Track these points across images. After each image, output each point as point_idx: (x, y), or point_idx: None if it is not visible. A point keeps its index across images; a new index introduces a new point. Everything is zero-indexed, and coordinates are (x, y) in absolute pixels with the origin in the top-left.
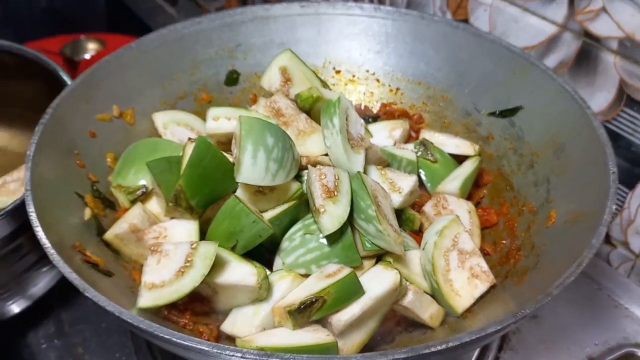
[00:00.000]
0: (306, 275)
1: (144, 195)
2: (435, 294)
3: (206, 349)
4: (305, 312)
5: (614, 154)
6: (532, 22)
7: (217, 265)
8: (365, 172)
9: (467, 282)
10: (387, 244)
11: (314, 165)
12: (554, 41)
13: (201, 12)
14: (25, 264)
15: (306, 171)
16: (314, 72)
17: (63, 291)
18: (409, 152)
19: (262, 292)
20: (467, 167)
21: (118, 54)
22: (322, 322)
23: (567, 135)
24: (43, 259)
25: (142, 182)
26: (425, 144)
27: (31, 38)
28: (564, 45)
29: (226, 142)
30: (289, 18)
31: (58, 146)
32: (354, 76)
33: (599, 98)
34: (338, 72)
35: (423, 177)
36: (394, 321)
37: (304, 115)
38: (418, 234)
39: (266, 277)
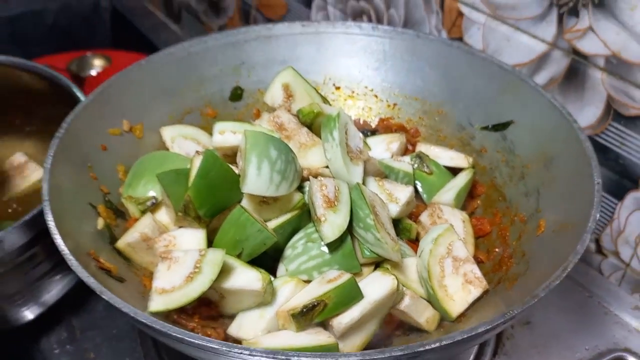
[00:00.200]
0: (308, 281)
1: (154, 206)
2: (431, 299)
3: (217, 347)
4: (307, 315)
5: (603, 166)
6: (523, 40)
7: (224, 271)
8: (364, 183)
9: (461, 287)
10: (385, 251)
11: (315, 176)
12: (544, 58)
13: (204, 29)
14: (39, 272)
15: (308, 182)
16: (314, 88)
17: (74, 299)
18: (405, 164)
19: (267, 296)
20: (462, 179)
21: (128, 71)
22: (324, 324)
23: (555, 148)
24: (56, 267)
25: (152, 193)
26: (421, 157)
27: (38, 55)
28: (554, 62)
29: (232, 155)
30: (290, 37)
31: (72, 159)
32: (353, 92)
33: (588, 113)
34: (338, 88)
35: (419, 188)
36: (392, 325)
37: (305, 130)
38: (414, 242)
39: (271, 282)
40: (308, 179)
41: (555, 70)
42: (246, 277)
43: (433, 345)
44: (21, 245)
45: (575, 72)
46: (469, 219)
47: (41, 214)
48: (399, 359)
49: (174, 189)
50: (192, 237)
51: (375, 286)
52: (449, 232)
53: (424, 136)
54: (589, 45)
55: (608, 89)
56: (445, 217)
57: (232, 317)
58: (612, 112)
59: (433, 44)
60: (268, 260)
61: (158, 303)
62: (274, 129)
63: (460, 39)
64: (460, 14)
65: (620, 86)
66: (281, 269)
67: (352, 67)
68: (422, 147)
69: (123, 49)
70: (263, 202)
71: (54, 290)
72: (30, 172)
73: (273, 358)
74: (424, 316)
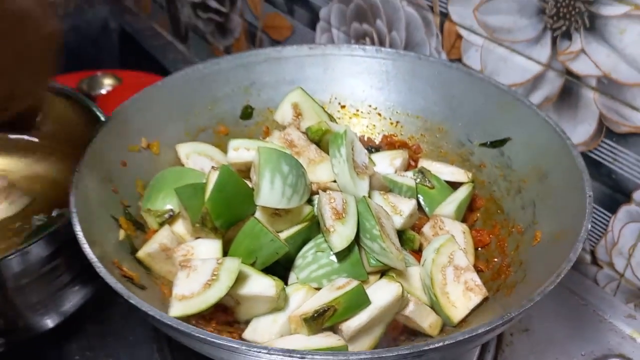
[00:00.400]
0: (318, 288)
1: (171, 218)
2: (434, 306)
3: (237, 346)
4: (318, 320)
5: (597, 181)
6: (519, 61)
7: (240, 279)
8: (369, 196)
9: (462, 294)
10: (390, 260)
11: (324, 190)
12: (539, 79)
13: (211, 49)
14: (60, 283)
15: (317, 196)
16: (322, 107)
17: (93, 308)
18: (408, 179)
19: (280, 302)
20: (462, 193)
21: (146, 92)
22: (334, 328)
23: (550, 163)
24: (75, 279)
25: (169, 206)
26: (423, 172)
27: None
28: (549, 82)
29: (245, 170)
30: (298, 59)
31: (96, 174)
32: (357, 110)
33: (581, 130)
34: (343, 107)
35: (421, 202)
36: (397, 330)
37: (314, 146)
38: (418, 252)
39: (284, 289)
40: (317, 193)
41: (549, 90)
42: (261, 284)
43: (437, 345)
44: (45, 257)
45: (569, 92)
46: (469, 230)
47: (64, 227)
48: (406, 357)
49: (190, 202)
50: (209, 247)
51: (382, 293)
52: (451, 243)
53: (426, 152)
54: (581, 67)
55: (600, 108)
56: (447, 228)
57: (246, 322)
58: (605, 130)
59: (433, 65)
60: (280, 269)
61: (178, 309)
62: (285, 146)
63: (459, 60)
64: (459, 37)
65: (612, 105)
66: (292, 277)
67: (357, 87)
68: (424, 163)
69: (131, 69)
70: (275, 214)
71: (73, 300)
72: (16, 197)
73: (290, 357)
74: (428, 321)
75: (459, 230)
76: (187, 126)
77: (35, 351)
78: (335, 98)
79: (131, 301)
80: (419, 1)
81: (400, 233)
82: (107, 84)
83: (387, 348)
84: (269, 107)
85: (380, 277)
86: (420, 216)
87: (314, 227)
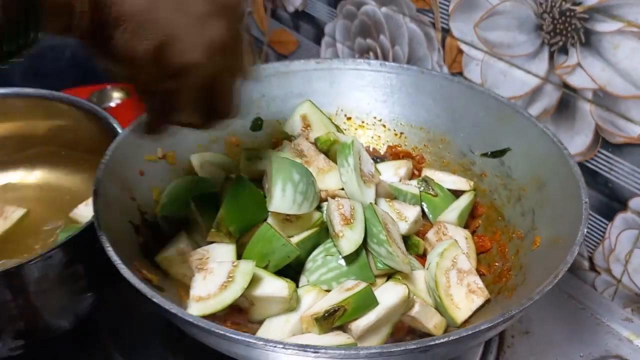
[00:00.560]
0: (328, 290)
1: (187, 224)
2: (438, 307)
3: (254, 341)
4: (329, 319)
5: (593, 190)
6: (518, 75)
7: (254, 280)
8: (376, 203)
9: (465, 296)
10: (397, 263)
11: (333, 197)
12: (538, 92)
13: None
14: (77, 288)
15: (326, 203)
16: (329, 118)
17: (107, 313)
18: (413, 187)
19: (293, 303)
20: (464, 200)
21: None
22: (343, 328)
23: (548, 172)
24: (92, 283)
25: (184, 213)
26: (427, 181)
27: (58, 88)
28: (546, 95)
29: (258, 178)
30: (305, 73)
31: (115, 182)
32: (363, 122)
33: (578, 140)
34: (349, 118)
35: (425, 209)
36: (403, 331)
37: (322, 156)
38: (422, 257)
39: (296, 290)
40: (326, 200)
41: (547, 103)
42: (274, 286)
43: (442, 340)
44: (64, 263)
45: (566, 104)
46: (471, 236)
47: (83, 234)
48: (413, 352)
49: (205, 209)
50: (223, 251)
51: (389, 294)
52: (454, 247)
53: (429, 162)
54: (577, 80)
55: (596, 119)
56: (450, 234)
57: (259, 323)
58: (601, 140)
59: (436, 78)
60: (291, 272)
61: (195, 309)
62: (295, 155)
63: (460, 73)
64: (460, 52)
65: (607, 116)
66: (303, 279)
67: (362, 99)
68: (427, 172)
69: None
70: (286, 219)
71: (89, 303)
72: (9, 212)
73: (304, 351)
74: (432, 322)
75: (461, 236)
76: (200, 137)
77: (53, 352)
78: (342, 110)
79: (154, 300)
80: (422, 18)
81: (406, 238)
82: (116, 97)
83: (396, 343)
84: (278, 119)
85: (387, 280)
86: (424, 223)
87: (323, 233)
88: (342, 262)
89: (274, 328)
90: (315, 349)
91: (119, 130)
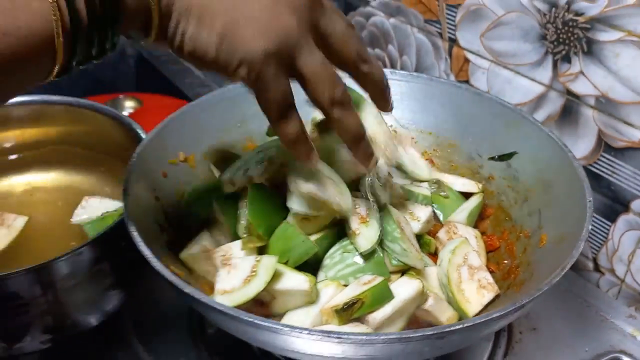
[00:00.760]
0: (345, 285)
1: (209, 224)
2: (451, 302)
3: (281, 328)
4: (348, 311)
5: (597, 192)
6: (523, 83)
7: (276, 275)
8: (389, 204)
9: (476, 291)
10: (410, 260)
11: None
12: (542, 99)
13: None
14: (103, 285)
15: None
16: None
17: (132, 309)
18: (424, 189)
19: (313, 296)
20: (473, 202)
21: (182, 112)
22: (361, 320)
23: (553, 174)
24: (117, 281)
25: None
26: (437, 183)
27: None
28: (551, 102)
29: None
30: None
31: (141, 183)
32: None
33: (582, 145)
34: None
35: (436, 210)
36: (417, 324)
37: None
38: (434, 255)
39: (316, 283)
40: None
41: (552, 109)
42: (295, 280)
43: (457, 327)
44: (92, 260)
45: (570, 110)
46: (480, 235)
47: (110, 232)
48: (430, 337)
49: (227, 211)
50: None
51: (404, 288)
52: (465, 245)
53: (438, 166)
54: (580, 87)
55: (599, 125)
56: (460, 232)
57: (280, 316)
58: (603, 144)
59: (443, 86)
60: (309, 269)
61: (221, 301)
62: None
63: (467, 82)
64: (467, 60)
65: (610, 122)
66: (321, 275)
67: None
68: (437, 175)
69: (150, 92)
70: (305, 219)
71: (115, 300)
72: (11, 220)
73: (328, 337)
74: (445, 315)
75: (471, 235)
76: (219, 142)
77: (79, 347)
78: None
79: (186, 290)
80: (429, 28)
81: (418, 237)
82: (128, 106)
83: (413, 330)
84: None
85: (401, 276)
86: (435, 223)
87: (340, 231)
88: (359, 259)
89: (295, 320)
90: (339, 334)
91: (143, 135)
